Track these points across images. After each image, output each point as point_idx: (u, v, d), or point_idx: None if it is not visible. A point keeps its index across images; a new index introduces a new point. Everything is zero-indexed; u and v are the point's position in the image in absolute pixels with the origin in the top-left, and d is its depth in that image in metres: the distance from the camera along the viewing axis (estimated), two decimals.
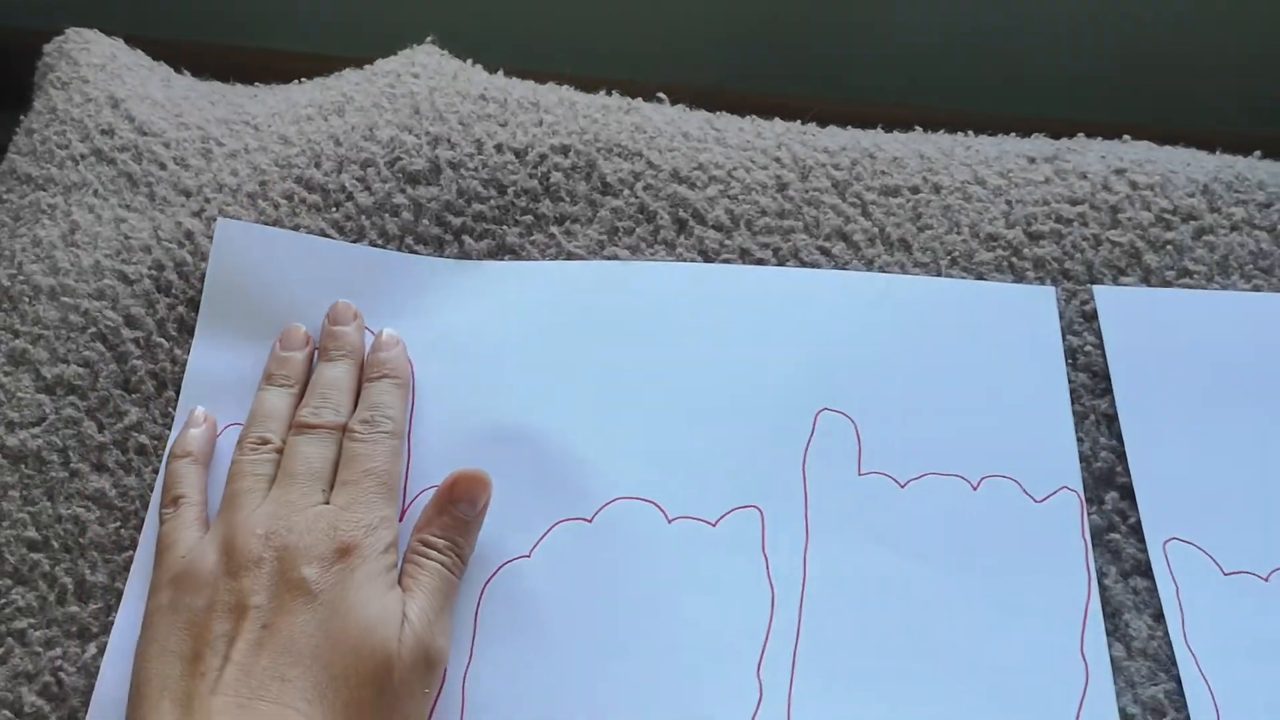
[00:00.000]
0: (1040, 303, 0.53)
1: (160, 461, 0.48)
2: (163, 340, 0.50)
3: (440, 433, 0.49)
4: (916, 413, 0.50)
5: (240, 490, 0.45)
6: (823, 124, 0.60)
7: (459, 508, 0.46)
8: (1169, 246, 0.54)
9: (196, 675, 0.40)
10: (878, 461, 0.49)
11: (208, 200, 0.54)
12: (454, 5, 1.04)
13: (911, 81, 1.11)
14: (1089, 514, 0.48)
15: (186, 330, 0.51)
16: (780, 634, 0.46)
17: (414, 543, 0.45)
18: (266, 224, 0.54)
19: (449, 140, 0.56)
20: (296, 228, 0.54)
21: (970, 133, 0.60)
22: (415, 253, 0.54)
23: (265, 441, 0.47)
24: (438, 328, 0.52)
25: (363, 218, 0.54)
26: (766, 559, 0.47)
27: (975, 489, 0.49)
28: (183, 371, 0.50)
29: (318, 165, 0.55)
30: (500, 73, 0.62)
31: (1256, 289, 0.53)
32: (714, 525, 0.48)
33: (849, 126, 0.60)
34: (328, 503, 0.45)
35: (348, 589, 0.42)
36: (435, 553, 0.45)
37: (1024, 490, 0.48)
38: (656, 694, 0.44)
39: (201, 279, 0.52)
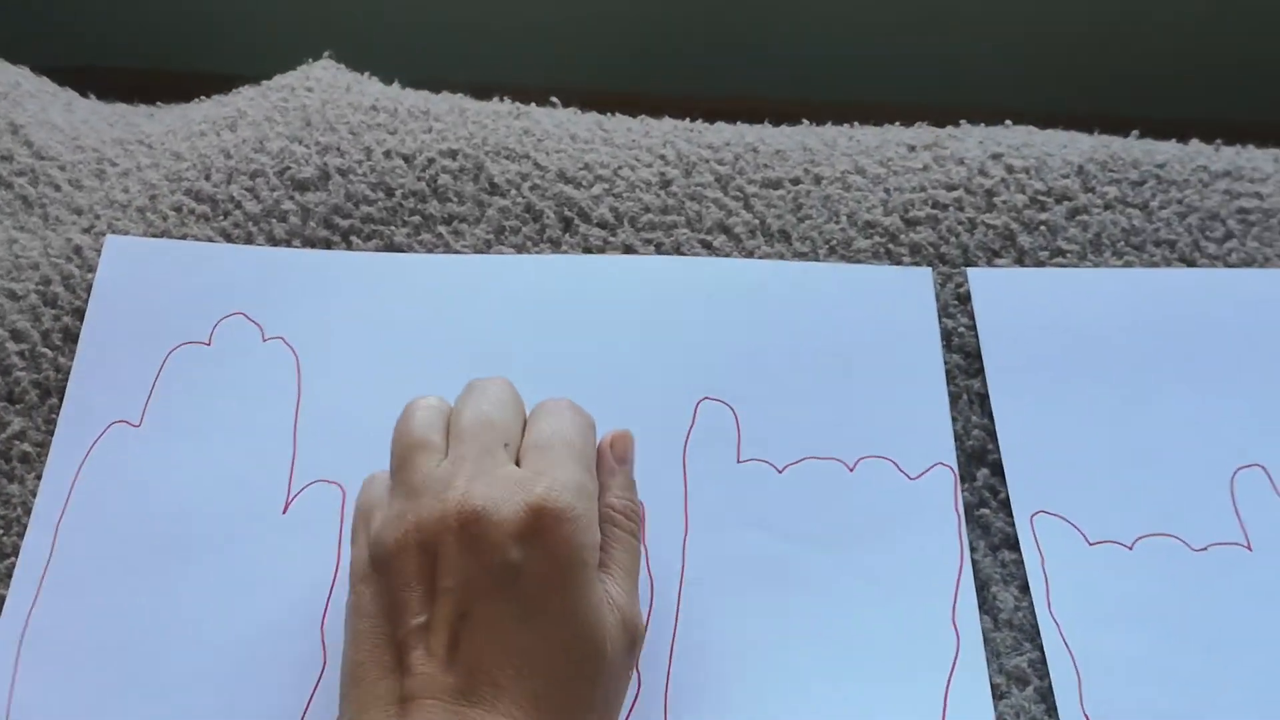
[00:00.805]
0: (917, 284, 0.53)
1: (43, 467, 0.48)
2: (47, 350, 0.51)
3: (328, 427, 0.50)
4: (795, 398, 0.51)
5: (413, 447, 0.41)
6: (713, 121, 0.61)
7: (626, 466, 0.44)
8: (1043, 227, 0.55)
9: (403, 671, 0.37)
10: (756, 448, 0.50)
11: (98, 217, 0.55)
12: (368, 24, 1.05)
13: (810, 76, 1.12)
14: (962, 491, 0.48)
15: (71, 339, 0.51)
16: (659, 623, 0.46)
17: (603, 510, 0.42)
18: (154, 235, 0.54)
19: (338, 149, 0.57)
20: (184, 237, 0.54)
21: (856, 123, 0.61)
22: None
23: (433, 405, 0.43)
24: (327, 322, 0.53)
25: (250, 224, 0.55)
26: (646, 549, 0.48)
27: (852, 470, 0.49)
28: (66, 379, 0.50)
29: (207, 178, 0.56)
30: (396, 84, 0.63)
31: (1128, 265, 0.54)
32: None
33: (738, 122, 0.61)
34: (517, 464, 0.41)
35: (555, 579, 0.38)
36: (625, 519, 0.42)
37: (899, 469, 0.49)
38: None
39: (88, 290, 0.52)
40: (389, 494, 0.41)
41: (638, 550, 0.43)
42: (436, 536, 0.38)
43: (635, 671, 0.43)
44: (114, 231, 0.54)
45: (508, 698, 0.36)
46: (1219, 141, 0.59)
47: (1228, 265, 0.54)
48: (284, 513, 0.48)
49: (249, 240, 0.55)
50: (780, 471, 0.49)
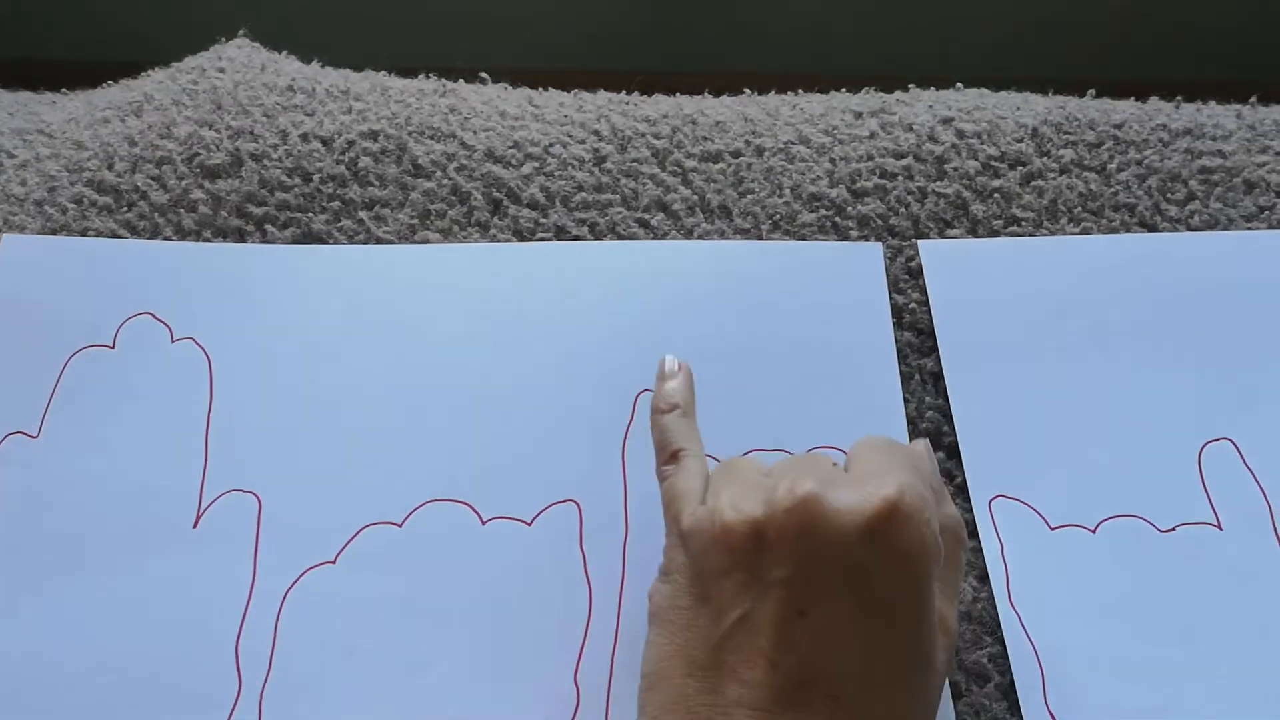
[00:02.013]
0: (866, 261, 0.50)
1: None
2: None
3: (243, 432, 0.47)
4: (740, 389, 0.48)
5: (737, 457, 0.39)
6: (650, 94, 0.58)
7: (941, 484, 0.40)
8: (996, 195, 0.52)
9: (720, 671, 0.33)
10: None
11: None
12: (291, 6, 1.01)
13: (756, 49, 1.09)
14: None
15: None
16: (598, 635, 0.43)
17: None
18: (54, 230, 0.51)
19: (251, 132, 0.54)
20: (85, 231, 0.51)
21: (800, 91, 0.58)
22: None
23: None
24: (241, 320, 0.49)
25: (156, 215, 0.51)
26: (584, 555, 0.45)
27: None
28: None
29: (110, 167, 0.53)
30: (316, 63, 0.59)
31: (1085, 232, 0.51)
32: (529, 524, 0.45)
33: (677, 94, 0.58)
34: None
35: (907, 583, 0.33)
36: (954, 536, 0.38)
37: None
38: (468, 707, 0.42)
39: None
40: (704, 482, 0.37)
41: (963, 571, 0.39)
42: (767, 521, 0.34)
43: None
44: (10, 227, 0.51)
45: (844, 711, 0.32)
46: (1179, 98, 0.56)
47: (1190, 228, 0.52)
48: (194, 526, 0.45)
49: (155, 232, 0.51)
50: None
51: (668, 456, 0.40)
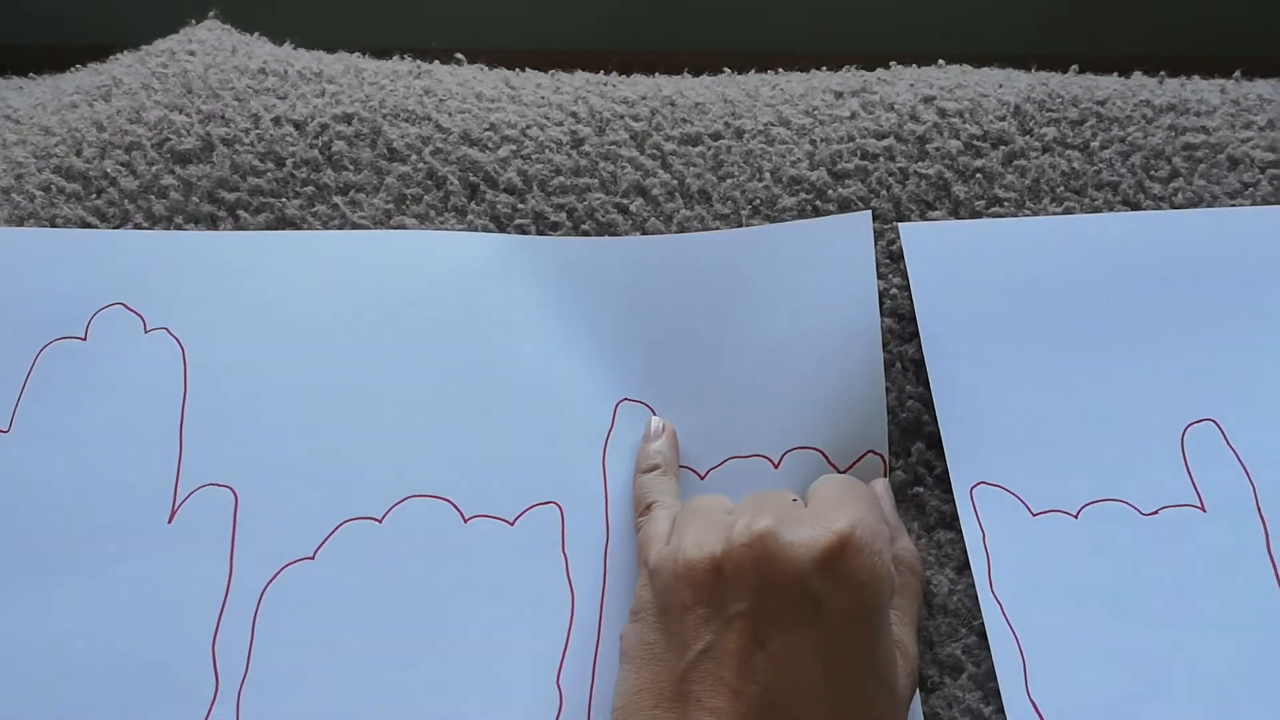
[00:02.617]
0: (853, 231, 0.49)
1: None
2: None
3: (218, 424, 0.46)
4: (719, 389, 0.47)
5: (700, 499, 0.41)
6: (629, 74, 0.57)
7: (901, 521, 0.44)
8: (978, 175, 0.51)
9: (686, 701, 0.35)
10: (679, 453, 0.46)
11: None
12: None
13: (734, 27, 1.07)
14: (894, 470, 0.45)
15: None
16: (581, 638, 0.43)
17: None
18: (22, 218, 0.50)
19: (222, 116, 0.53)
20: (54, 219, 0.50)
21: (780, 70, 0.57)
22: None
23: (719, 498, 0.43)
24: (215, 309, 0.48)
25: (126, 202, 0.51)
26: (566, 558, 0.44)
27: (777, 466, 0.46)
28: None
29: (78, 153, 0.52)
30: (288, 44, 0.58)
31: (1068, 211, 0.50)
32: (512, 524, 0.45)
33: (656, 74, 0.57)
34: None
35: (857, 613, 0.35)
36: (911, 569, 0.41)
37: (827, 459, 0.46)
38: (449, 706, 0.41)
39: None
40: (672, 525, 0.40)
41: (922, 601, 0.42)
42: (725, 557, 0.36)
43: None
44: None
45: None
46: (1163, 74, 0.55)
47: (1174, 206, 0.51)
48: (169, 522, 0.44)
49: (125, 219, 0.50)
50: (702, 478, 0.46)
51: (643, 509, 0.43)
